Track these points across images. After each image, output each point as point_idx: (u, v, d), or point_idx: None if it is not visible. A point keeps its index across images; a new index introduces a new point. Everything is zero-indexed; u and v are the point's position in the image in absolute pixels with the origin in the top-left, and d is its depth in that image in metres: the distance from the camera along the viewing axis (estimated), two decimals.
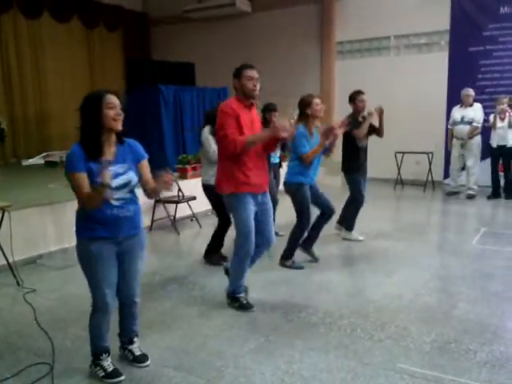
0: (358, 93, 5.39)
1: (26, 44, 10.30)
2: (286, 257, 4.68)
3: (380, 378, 2.73)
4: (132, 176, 2.62)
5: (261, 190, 3.63)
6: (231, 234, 4.93)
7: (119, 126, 2.54)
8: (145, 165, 2.72)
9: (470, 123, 7.86)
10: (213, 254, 4.87)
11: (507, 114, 7.57)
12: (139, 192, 2.73)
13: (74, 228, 2.64)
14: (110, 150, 2.57)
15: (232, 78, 3.56)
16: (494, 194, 7.91)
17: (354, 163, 5.38)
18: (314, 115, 4.53)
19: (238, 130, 3.45)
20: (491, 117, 7.77)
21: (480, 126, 7.89)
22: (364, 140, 5.39)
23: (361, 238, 5.62)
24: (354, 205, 5.51)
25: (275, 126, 3.47)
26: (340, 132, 4.45)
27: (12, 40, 10.05)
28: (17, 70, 10.16)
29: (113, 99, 2.52)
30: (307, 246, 4.84)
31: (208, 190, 4.78)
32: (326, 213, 4.72)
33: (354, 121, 5.33)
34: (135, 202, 2.69)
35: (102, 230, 2.56)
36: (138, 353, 2.94)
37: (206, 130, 4.80)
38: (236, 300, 3.74)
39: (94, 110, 2.49)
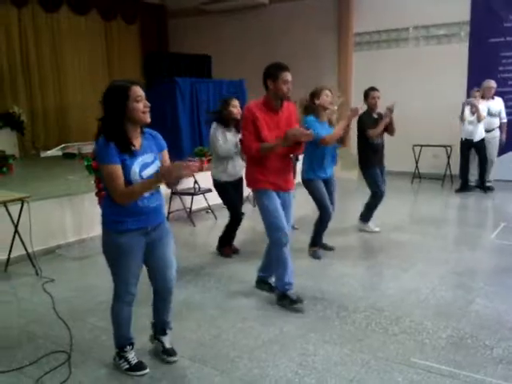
0: (370, 89, 5.33)
1: (45, 37, 10.39)
2: (312, 244, 4.83)
3: (394, 373, 2.72)
4: (159, 165, 2.61)
5: (281, 190, 3.65)
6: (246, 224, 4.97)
7: (148, 119, 2.52)
8: (166, 154, 2.73)
9: (495, 115, 7.77)
10: (224, 245, 4.90)
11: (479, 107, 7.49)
12: None
13: (101, 220, 2.62)
14: (138, 142, 2.56)
15: (263, 75, 3.50)
16: (462, 188, 7.96)
17: (369, 158, 5.35)
18: (322, 105, 4.52)
19: (255, 133, 3.45)
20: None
21: (506, 121, 7.86)
22: (378, 137, 5.34)
23: (377, 229, 5.60)
24: (373, 200, 5.48)
25: (287, 136, 3.38)
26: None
27: (31, 33, 10.14)
28: (36, 62, 10.25)
29: (140, 91, 2.48)
30: (313, 243, 4.87)
31: (215, 184, 4.81)
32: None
33: (368, 118, 5.28)
34: (160, 193, 2.70)
35: (132, 223, 2.55)
36: (168, 345, 2.94)
37: (214, 125, 4.69)
38: (286, 297, 3.61)
39: (120, 103, 2.43)
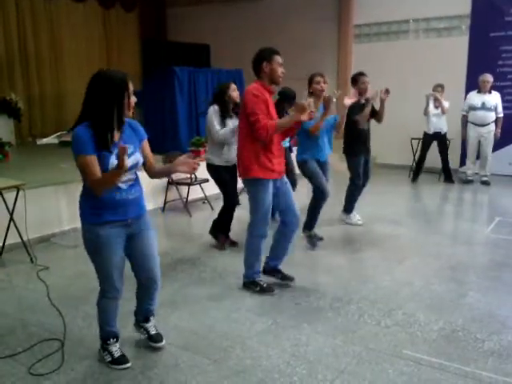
0: (360, 75, 5.30)
1: (43, 24, 10.30)
2: (307, 227, 4.84)
3: (385, 364, 2.74)
4: (139, 157, 2.59)
5: (279, 176, 3.67)
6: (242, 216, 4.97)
7: (131, 113, 2.54)
8: (147, 145, 2.69)
9: (491, 110, 7.76)
10: (218, 231, 4.87)
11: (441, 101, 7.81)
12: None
13: (79, 214, 2.57)
14: (118, 133, 2.51)
15: (257, 59, 3.52)
16: (414, 179, 8.39)
17: (354, 146, 5.36)
18: (314, 92, 4.58)
19: (268, 114, 3.47)
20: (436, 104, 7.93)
21: (502, 115, 7.85)
22: (365, 123, 5.32)
23: (360, 222, 5.59)
24: (351, 187, 5.50)
25: (298, 105, 3.44)
26: (349, 103, 4.58)
27: (29, 20, 10.05)
28: (34, 49, 10.18)
29: (131, 85, 2.48)
30: (308, 227, 4.89)
31: (210, 169, 4.78)
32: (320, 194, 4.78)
33: (356, 104, 5.26)
34: (139, 184, 2.66)
35: (111, 214, 2.51)
36: (153, 332, 2.94)
37: (212, 109, 4.62)
38: (256, 284, 3.74)
39: (119, 95, 2.41)
